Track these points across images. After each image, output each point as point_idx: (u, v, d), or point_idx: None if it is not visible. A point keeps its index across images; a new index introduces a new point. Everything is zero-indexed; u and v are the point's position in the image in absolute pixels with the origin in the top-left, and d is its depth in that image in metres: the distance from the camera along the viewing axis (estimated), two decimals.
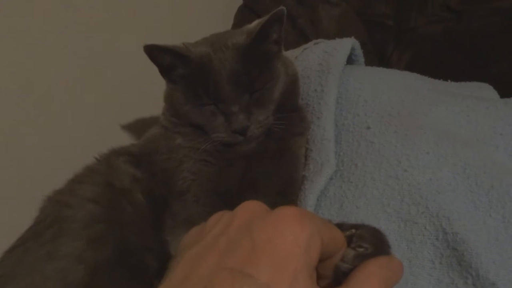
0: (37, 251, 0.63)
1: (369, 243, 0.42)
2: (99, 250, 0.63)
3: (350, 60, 0.82)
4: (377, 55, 1.10)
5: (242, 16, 1.24)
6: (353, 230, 0.44)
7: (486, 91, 0.80)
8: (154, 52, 0.70)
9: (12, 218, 0.75)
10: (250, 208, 0.38)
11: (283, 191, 0.69)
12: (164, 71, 0.73)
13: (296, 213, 0.35)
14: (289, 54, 0.85)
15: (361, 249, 0.41)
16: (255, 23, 0.74)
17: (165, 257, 0.62)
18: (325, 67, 0.77)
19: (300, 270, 0.33)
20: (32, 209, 0.70)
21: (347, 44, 0.80)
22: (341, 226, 0.43)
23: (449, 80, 0.84)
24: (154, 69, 0.73)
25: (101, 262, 0.62)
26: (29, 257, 0.63)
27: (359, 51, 0.84)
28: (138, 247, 0.65)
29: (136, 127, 1.02)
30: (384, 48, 1.10)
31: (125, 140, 0.99)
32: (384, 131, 0.69)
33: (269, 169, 0.71)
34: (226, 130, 0.68)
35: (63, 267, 0.61)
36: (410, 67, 0.95)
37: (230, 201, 0.40)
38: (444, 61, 1.03)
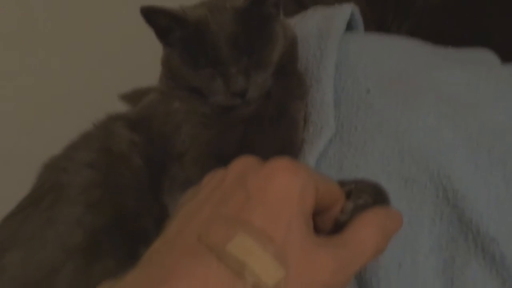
0: (36, 217, 0.63)
1: (369, 195, 0.43)
2: (98, 214, 0.63)
3: (349, 27, 0.81)
4: (376, 25, 1.09)
5: None
6: (353, 185, 0.44)
7: (487, 56, 0.80)
8: (150, 15, 0.69)
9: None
10: (243, 162, 0.39)
11: (282, 153, 0.69)
12: (161, 34, 0.72)
13: (289, 163, 0.36)
14: (288, 21, 0.84)
15: (360, 201, 0.42)
16: None
17: (163, 220, 0.62)
18: (324, 32, 0.76)
19: (295, 216, 0.34)
20: None
21: (347, 9, 0.79)
22: (341, 182, 0.44)
23: (450, 47, 0.83)
24: (150, 36, 0.72)
25: (100, 226, 0.62)
26: (28, 223, 0.63)
27: (358, 18, 0.83)
28: (136, 210, 0.65)
29: (133, 97, 1.01)
30: (384, 18, 1.09)
31: (122, 107, 0.98)
32: (384, 94, 0.68)
33: (268, 132, 0.70)
34: (225, 92, 0.68)
35: (62, 232, 0.61)
36: (410, 35, 0.94)
37: (228, 164, 0.40)
38: (444, 31, 1.02)
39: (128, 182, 0.66)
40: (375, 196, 0.44)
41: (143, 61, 0.92)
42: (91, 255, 0.60)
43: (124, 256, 0.60)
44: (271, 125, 0.71)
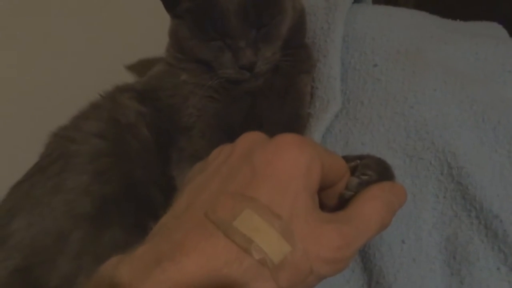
0: (43, 184, 0.64)
1: (374, 171, 0.43)
2: (105, 183, 0.64)
3: (357, 0, 0.81)
4: None
5: None
6: (358, 161, 0.44)
7: (495, 29, 0.79)
8: None
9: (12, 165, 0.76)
10: (250, 138, 0.39)
11: (289, 127, 0.69)
12: (169, 6, 0.72)
13: (295, 139, 0.36)
14: None
15: (365, 177, 0.42)
16: None
17: (171, 191, 0.63)
18: (332, 4, 0.76)
19: (300, 191, 0.34)
20: None
21: None
22: (346, 158, 0.44)
23: (458, 20, 0.83)
24: (157, 4, 0.72)
25: (108, 195, 0.63)
26: (36, 190, 0.64)
27: None
28: (144, 180, 0.66)
29: (140, 66, 1.01)
30: None
31: (129, 79, 0.98)
32: (391, 68, 0.68)
33: (275, 105, 0.70)
34: (233, 65, 0.67)
35: (70, 200, 0.62)
36: (418, 8, 0.93)
37: (235, 137, 0.41)
38: (452, 2, 1.01)
39: (136, 152, 0.67)
40: (380, 171, 0.44)
41: (150, 31, 0.91)
42: (99, 224, 0.61)
43: (131, 226, 0.61)
44: (278, 98, 0.71)
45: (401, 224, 0.57)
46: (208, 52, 0.69)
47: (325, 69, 0.72)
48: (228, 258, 0.31)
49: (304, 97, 0.72)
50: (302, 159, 0.35)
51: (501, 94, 0.62)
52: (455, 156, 0.57)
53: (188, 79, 0.71)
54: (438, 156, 0.58)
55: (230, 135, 0.61)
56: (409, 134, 0.61)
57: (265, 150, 0.36)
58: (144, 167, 0.66)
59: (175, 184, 0.64)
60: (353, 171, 0.44)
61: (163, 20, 0.75)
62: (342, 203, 0.41)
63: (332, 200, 0.42)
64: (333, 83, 0.70)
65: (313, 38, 0.76)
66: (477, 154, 0.57)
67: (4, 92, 0.87)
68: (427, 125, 0.60)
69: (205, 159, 0.42)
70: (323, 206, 0.42)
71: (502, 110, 0.60)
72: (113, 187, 0.63)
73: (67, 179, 0.63)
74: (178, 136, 0.68)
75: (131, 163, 0.66)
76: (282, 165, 0.35)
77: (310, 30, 0.77)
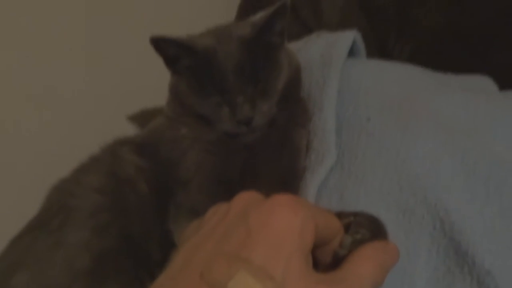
0: (44, 239, 0.65)
1: (367, 229, 0.43)
2: (104, 238, 0.64)
3: (351, 53, 0.83)
4: (379, 47, 1.10)
5: (246, 7, 1.24)
6: (352, 218, 0.45)
7: (486, 83, 0.81)
8: (160, 44, 0.71)
9: (13, 215, 0.77)
10: (245, 197, 0.40)
11: (285, 181, 0.70)
12: (170, 63, 0.74)
13: (289, 200, 0.37)
14: (292, 46, 0.85)
15: (359, 235, 0.43)
16: (259, 15, 0.75)
17: (168, 246, 0.63)
18: (327, 59, 0.78)
19: (294, 253, 0.35)
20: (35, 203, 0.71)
21: (349, 36, 0.81)
22: (340, 214, 0.45)
23: (449, 72, 0.85)
24: (159, 60, 0.74)
25: (106, 250, 0.64)
26: (37, 245, 0.65)
27: (360, 44, 0.85)
28: (142, 235, 0.66)
29: (141, 118, 1.03)
30: (386, 39, 1.11)
31: (130, 130, 1.00)
32: (384, 122, 0.70)
33: (271, 159, 0.72)
34: (231, 120, 0.69)
35: (70, 255, 0.63)
36: (412, 59, 0.96)
37: (232, 191, 0.42)
38: (446, 53, 1.03)
39: (134, 207, 0.68)
40: (373, 230, 0.45)
41: (151, 82, 0.94)
42: (97, 279, 0.62)
43: (129, 281, 0.62)
44: (274, 152, 0.72)
45: (395, 279, 0.57)
46: (207, 107, 0.71)
47: (321, 122, 0.73)
48: None
49: (300, 150, 0.74)
50: (296, 220, 0.36)
51: (491, 148, 0.64)
52: (447, 211, 0.58)
53: (187, 133, 0.72)
54: (430, 210, 0.59)
55: (228, 189, 0.63)
56: (402, 188, 0.62)
57: (260, 211, 0.37)
58: (143, 222, 0.67)
59: (172, 239, 0.65)
60: (347, 228, 0.44)
61: (165, 71, 0.77)
62: (336, 260, 0.42)
63: (327, 257, 0.43)
64: (328, 137, 0.71)
65: (308, 92, 0.78)
66: (469, 208, 0.58)
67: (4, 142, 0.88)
68: (419, 180, 0.62)
69: (200, 218, 0.43)
70: (317, 263, 0.42)
71: (492, 164, 0.61)
72: (112, 242, 0.64)
73: (67, 235, 0.64)
74: (176, 190, 0.69)
75: (130, 218, 0.66)
76: (277, 226, 0.36)
77: (306, 85, 0.79)
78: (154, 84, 0.85)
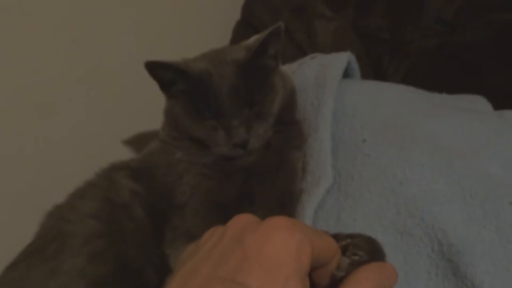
0: (40, 267, 0.64)
1: (364, 251, 0.43)
2: (100, 265, 0.64)
3: (346, 74, 0.84)
4: (373, 68, 1.11)
5: (240, 31, 1.26)
6: (349, 240, 0.45)
7: (480, 103, 0.82)
8: (154, 68, 0.71)
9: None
10: (242, 220, 0.40)
11: (281, 203, 0.70)
12: (164, 87, 0.74)
13: (285, 222, 0.37)
14: (286, 68, 0.86)
15: (356, 257, 0.42)
16: (253, 39, 0.76)
17: (165, 271, 0.63)
18: (322, 81, 0.79)
19: (291, 276, 0.34)
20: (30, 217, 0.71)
21: (343, 58, 0.81)
22: (337, 237, 0.45)
23: (444, 93, 0.85)
24: (154, 84, 0.74)
25: (102, 277, 0.63)
26: (32, 273, 0.64)
27: (355, 65, 0.85)
28: (138, 261, 0.66)
29: (136, 142, 1.03)
30: (380, 61, 1.12)
31: (126, 154, 1.00)
32: (379, 143, 0.70)
33: (267, 182, 0.72)
34: (227, 143, 0.69)
35: (65, 283, 0.62)
36: (406, 80, 0.97)
37: (229, 214, 0.41)
38: (440, 74, 1.04)
39: (130, 233, 0.67)
40: (371, 251, 0.45)
41: (147, 106, 0.94)
42: None
43: None
44: (271, 175, 0.72)
45: None
46: (202, 131, 0.71)
47: (316, 144, 0.73)
48: None
49: (296, 172, 0.74)
50: (292, 243, 0.35)
51: (487, 169, 0.64)
52: (445, 233, 0.58)
53: (183, 157, 0.72)
54: (428, 232, 0.59)
55: (224, 212, 0.63)
56: (399, 210, 0.62)
57: (256, 234, 0.36)
58: (139, 247, 0.66)
59: (169, 263, 0.64)
60: (344, 250, 0.44)
61: (160, 95, 0.77)
62: (334, 282, 0.41)
63: (324, 280, 0.42)
64: (324, 158, 0.71)
65: (304, 114, 0.78)
66: (466, 230, 0.58)
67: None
68: (416, 201, 0.62)
69: (196, 241, 0.43)
70: (315, 286, 0.42)
71: (489, 185, 0.61)
72: (108, 269, 0.63)
73: (62, 262, 0.63)
74: (172, 214, 0.68)
75: (125, 244, 0.66)
76: (273, 249, 0.35)
77: (301, 106, 0.79)
78: (149, 108, 0.86)
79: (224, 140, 0.69)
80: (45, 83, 0.94)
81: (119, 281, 0.63)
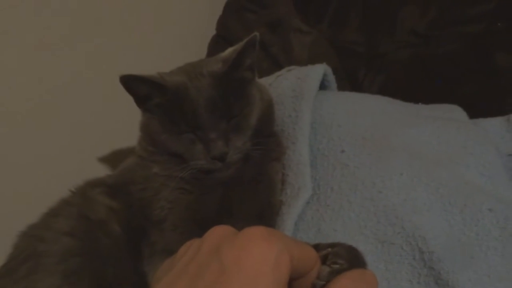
0: None
1: (344, 259, 0.42)
2: (76, 284, 0.62)
3: (323, 86, 0.84)
4: (349, 81, 1.12)
5: (216, 46, 1.26)
6: (329, 249, 0.44)
7: (456, 112, 0.82)
8: (130, 82, 0.70)
9: None
10: (218, 232, 0.38)
11: (261, 216, 0.69)
12: (140, 101, 0.73)
13: (262, 232, 0.36)
14: (263, 81, 0.86)
15: (336, 266, 0.42)
16: (229, 51, 0.75)
17: None
18: (299, 93, 0.79)
19: (270, 286, 0.33)
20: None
21: (319, 69, 0.82)
22: (317, 246, 0.44)
23: (420, 103, 0.86)
24: (129, 99, 0.73)
25: None
26: None
27: (331, 77, 0.86)
28: (116, 279, 0.64)
29: (112, 158, 1.01)
30: (356, 74, 1.13)
31: (101, 171, 0.98)
32: (358, 154, 0.70)
33: (247, 195, 0.71)
34: (205, 157, 0.68)
35: None
36: (382, 92, 0.97)
37: (208, 228, 0.40)
38: (414, 85, 1.06)
39: (107, 250, 0.65)
40: (351, 259, 0.44)
41: (121, 125, 0.93)
42: None
43: None
44: (250, 187, 0.71)
45: None
46: (180, 145, 0.70)
47: (295, 156, 0.73)
48: None
49: (276, 184, 0.73)
50: (270, 253, 0.34)
51: (465, 176, 0.64)
52: (425, 241, 0.58)
53: (160, 172, 0.71)
54: (409, 241, 0.59)
55: (203, 227, 0.61)
56: (379, 219, 0.62)
57: (233, 246, 0.35)
58: (116, 264, 0.64)
59: (147, 280, 0.63)
60: (324, 259, 0.43)
61: (136, 109, 0.76)
62: None
63: None
64: (303, 170, 0.71)
65: (281, 126, 0.78)
66: (447, 237, 0.58)
67: None
68: (396, 210, 0.62)
69: (173, 256, 0.42)
70: None
71: (467, 192, 0.61)
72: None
73: (36, 282, 0.61)
74: (150, 230, 0.67)
75: (102, 261, 0.64)
76: (251, 260, 0.34)
77: (279, 118, 0.79)
78: (125, 124, 0.84)
79: (203, 153, 0.69)
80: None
81: None
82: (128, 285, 0.64)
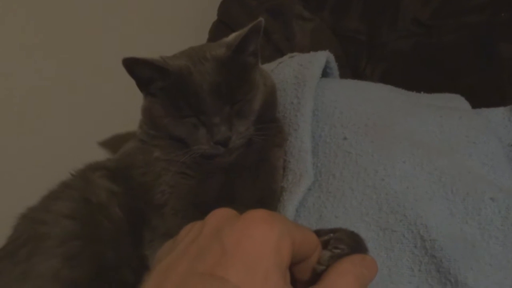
0: (11, 271, 0.62)
1: (346, 244, 0.43)
2: (76, 267, 0.61)
3: (325, 73, 0.84)
4: (351, 69, 1.12)
5: (217, 32, 1.25)
6: (331, 234, 0.44)
7: (458, 101, 0.82)
8: (132, 65, 0.69)
9: None
10: (220, 215, 0.38)
11: (262, 202, 0.69)
12: (142, 85, 0.73)
13: (264, 215, 0.36)
14: (265, 67, 0.85)
15: (337, 250, 0.42)
16: (233, 36, 0.75)
17: (143, 273, 0.61)
18: (301, 79, 0.78)
19: (271, 270, 0.33)
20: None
21: (322, 57, 0.81)
22: (319, 232, 0.44)
23: (422, 92, 0.86)
24: (131, 82, 0.73)
25: (78, 280, 0.61)
26: (3, 277, 0.62)
27: (333, 64, 0.85)
28: (116, 262, 0.64)
29: (113, 142, 1.01)
30: (358, 62, 1.12)
31: (102, 155, 0.98)
32: (360, 141, 0.70)
33: (248, 180, 0.71)
34: (208, 141, 0.68)
35: (39, 287, 0.60)
36: (383, 81, 0.97)
37: (209, 213, 0.40)
38: (416, 74, 1.05)
39: (107, 233, 0.65)
40: (352, 245, 0.44)
41: (121, 109, 0.92)
42: None
43: None
44: (251, 173, 0.71)
45: None
46: (182, 129, 0.70)
47: (297, 142, 0.73)
48: None
49: (277, 171, 0.73)
50: (271, 236, 0.34)
51: (467, 165, 0.64)
52: (427, 229, 0.58)
53: (161, 156, 0.70)
54: (410, 228, 0.59)
55: (204, 212, 0.61)
56: (381, 207, 0.62)
57: (234, 228, 0.35)
58: (116, 248, 0.64)
59: (148, 264, 0.62)
60: (325, 244, 0.43)
61: (136, 94, 0.75)
62: (315, 277, 0.40)
63: (305, 274, 0.41)
64: (304, 157, 0.71)
65: (283, 113, 0.78)
66: (449, 226, 0.58)
67: None
68: (398, 198, 0.61)
69: (174, 238, 0.41)
70: (296, 280, 0.41)
71: (469, 181, 0.61)
72: (84, 271, 0.61)
73: (35, 265, 0.61)
74: (151, 214, 0.67)
75: (102, 245, 0.64)
76: (252, 243, 0.34)
77: (281, 105, 0.79)
78: (126, 109, 0.84)
79: (205, 138, 0.68)
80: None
81: (96, 283, 0.61)
82: (128, 269, 0.64)
